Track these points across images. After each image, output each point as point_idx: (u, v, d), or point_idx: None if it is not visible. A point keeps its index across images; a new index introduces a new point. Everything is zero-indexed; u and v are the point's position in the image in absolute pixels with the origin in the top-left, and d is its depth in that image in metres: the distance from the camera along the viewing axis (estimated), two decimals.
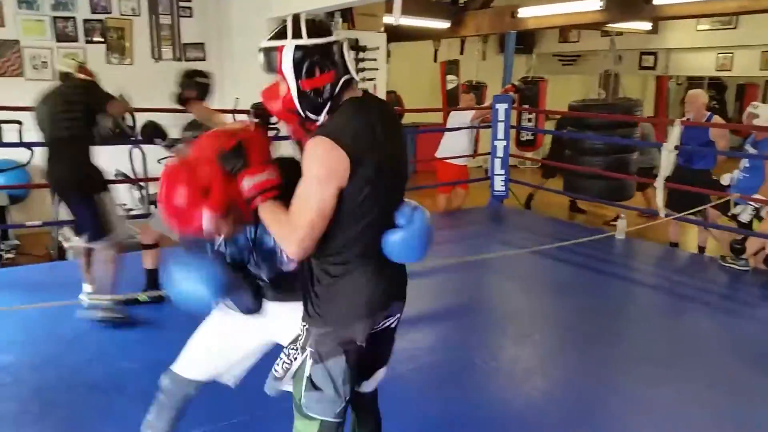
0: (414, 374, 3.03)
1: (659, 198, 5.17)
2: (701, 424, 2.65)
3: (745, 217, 4.86)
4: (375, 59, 6.49)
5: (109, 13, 6.43)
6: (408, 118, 9.82)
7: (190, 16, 6.79)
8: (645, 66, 10.83)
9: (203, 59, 7.00)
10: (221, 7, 6.81)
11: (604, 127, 6.96)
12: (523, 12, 6.93)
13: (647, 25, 8.95)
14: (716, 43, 9.19)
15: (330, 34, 1.56)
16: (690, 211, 5.10)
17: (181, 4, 6.62)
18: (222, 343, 1.94)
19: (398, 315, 1.79)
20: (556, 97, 9.70)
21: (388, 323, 1.77)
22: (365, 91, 1.66)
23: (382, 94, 6.78)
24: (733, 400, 2.85)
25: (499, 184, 6.87)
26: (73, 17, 6.25)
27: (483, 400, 2.84)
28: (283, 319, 1.79)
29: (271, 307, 1.83)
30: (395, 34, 7.69)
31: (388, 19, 6.41)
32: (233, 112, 5.78)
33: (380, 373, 1.86)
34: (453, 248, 5.51)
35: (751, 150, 4.93)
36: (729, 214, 5.06)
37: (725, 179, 4.98)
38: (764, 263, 4.56)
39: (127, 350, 3.19)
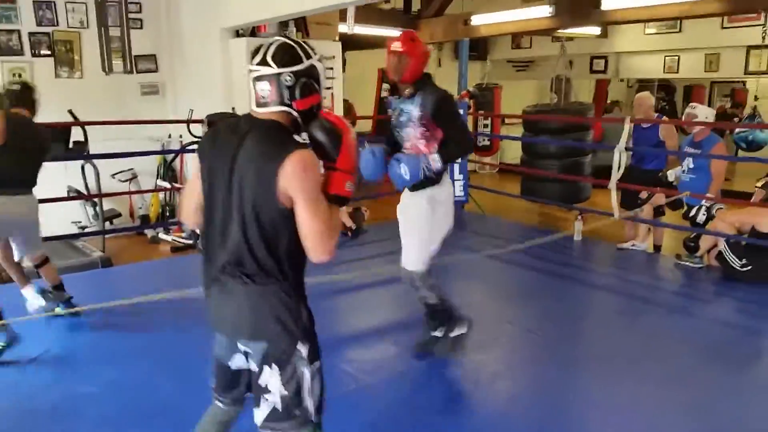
0: (381, 385, 3.02)
1: (613, 199, 5.29)
2: (661, 421, 2.70)
3: (701, 218, 5.02)
4: (331, 68, 6.46)
5: (56, 25, 6.25)
6: (365, 126, 9.83)
7: (140, 28, 6.66)
8: (596, 70, 11.09)
9: (155, 71, 6.87)
10: (172, 18, 6.70)
11: (558, 131, 7.10)
12: (476, 20, 7.02)
13: (597, 30, 9.18)
14: (663, 47, 9.49)
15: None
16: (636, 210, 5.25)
17: (131, 15, 6.48)
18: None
19: (240, 347, 1.72)
20: (510, 102, 9.86)
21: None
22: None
23: (339, 103, 6.76)
24: (691, 396, 2.92)
25: (458, 190, 6.93)
26: (17, 30, 6.05)
27: (450, 408, 2.84)
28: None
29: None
30: (351, 43, 7.68)
31: (342, 28, 6.39)
32: (187, 122, 5.69)
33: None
34: None
35: (691, 150, 5.09)
36: (688, 216, 5.20)
37: (671, 175, 5.13)
38: (717, 260, 4.71)
39: (85, 373, 3.08)
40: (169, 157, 6.71)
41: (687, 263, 4.89)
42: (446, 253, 5.46)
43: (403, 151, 2.89)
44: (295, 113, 1.63)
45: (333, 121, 1.69)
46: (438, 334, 3.15)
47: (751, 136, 8.58)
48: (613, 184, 5.26)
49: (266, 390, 1.66)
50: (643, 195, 5.31)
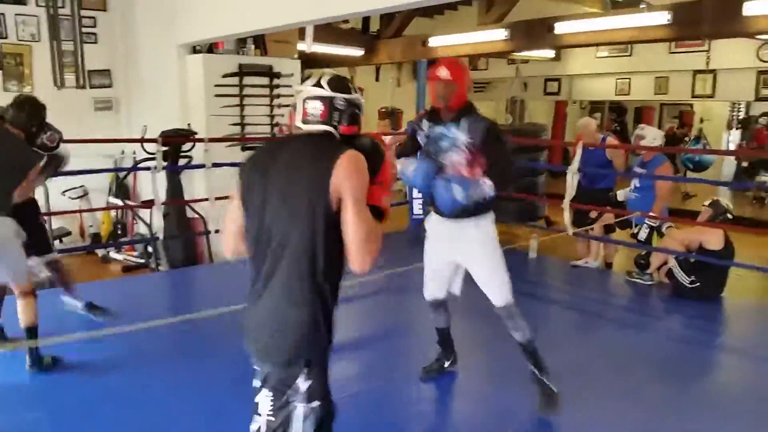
0: (342, 404, 2.96)
1: (566, 217, 5.42)
2: None
3: (642, 236, 5.17)
4: (290, 86, 6.46)
5: (5, 38, 6.08)
6: None
7: (95, 42, 6.53)
8: (550, 92, 11.39)
9: (110, 86, 6.74)
10: (128, 33, 6.60)
11: (513, 151, 7.22)
12: (433, 41, 7.14)
13: (551, 53, 9.44)
14: (614, 70, 9.82)
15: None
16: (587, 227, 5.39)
17: (85, 30, 6.36)
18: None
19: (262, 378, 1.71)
20: None
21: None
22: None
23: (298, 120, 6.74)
24: (643, 411, 2.97)
25: (417, 208, 6.97)
26: None
27: (403, 429, 2.82)
28: None
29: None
30: (310, 61, 7.70)
31: (301, 46, 6.41)
32: (141, 141, 5.59)
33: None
34: (375, 273, 5.52)
35: (639, 170, 5.26)
36: (631, 234, 5.36)
37: (620, 195, 5.28)
38: (667, 277, 4.84)
39: (30, 399, 2.96)
40: (122, 174, 6.56)
41: (638, 280, 5.02)
42: (404, 274, 5.50)
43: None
44: (337, 135, 1.71)
45: (376, 139, 1.79)
46: (534, 371, 2.93)
47: (698, 158, 8.91)
48: (566, 203, 5.39)
49: (257, 411, 1.67)
50: (593, 214, 5.47)
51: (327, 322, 1.67)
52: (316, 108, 1.70)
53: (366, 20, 8.26)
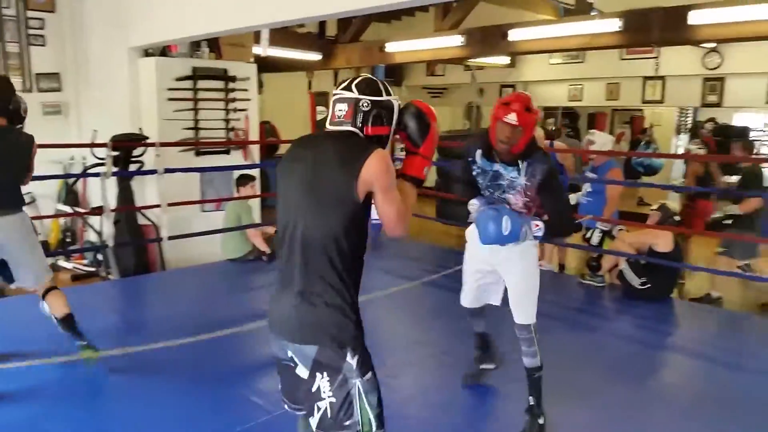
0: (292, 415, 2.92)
1: None
2: None
3: (594, 240, 5.27)
4: (246, 89, 6.39)
5: None
6: (284, 149, 9.74)
7: (42, 45, 6.32)
8: None
9: (59, 90, 6.53)
10: (78, 35, 6.41)
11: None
12: (390, 47, 7.16)
13: (506, 60, 9.58)
14: (567, 76, 10.02)
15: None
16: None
17: (32, 32, 6.16)
18: None
19: (290, 351, 1.81)
20: None
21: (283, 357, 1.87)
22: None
23: (255, 125, 6.68)
24: (594, 410, 3.03)
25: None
26: None
27: None
28: None
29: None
30: (267, 65, 7.64)
31: (257, 50, 6.35)
32: (91, 146, 5.44)
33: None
34: None
35: (591, 175, 5.38)
36: (583, 237, 5.46)
37: (572, 199, 5.37)
38: (618, 279, 4.96)
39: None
40: (71, 180, 6.37)
41: (590, 282, 5.13)
42: (365, 277, 5.50)
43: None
44: (362, 136, 1.77)
45: (424, 110, 1.86)
46: (532, 402, 2.86)
47: (648, 162, 9.15)
48: None
49: (317, 396, 1.73)
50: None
51: (354, 303, 1.76)
52: (342, 110, 1.78)
53: (322, 25, 8.23)
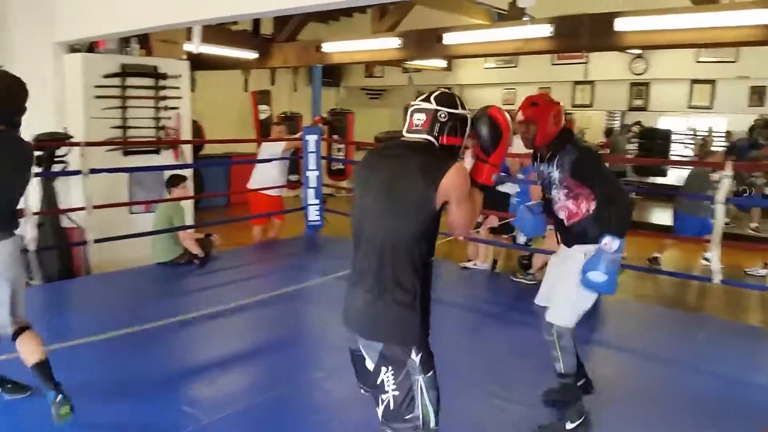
0: (223, 424, 2.86)
1: None
2: None
3: (521, 239, 5.41)
4: (178, 87, 6.21)
5: None
6: (219, 149, 9.56)
7: None
8: None
9: None
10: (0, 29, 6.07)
11: None
12: (327, 47, 7.13)
13: (443, 63, 9.72)
14: (501, 80, 10.28)
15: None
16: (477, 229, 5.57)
17: None
18: None
19: (360, 345, 1.91)
20: (365, 128, 10.09)
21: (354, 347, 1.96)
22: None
23: (187, 124, 6.51)
24: (528, 409, 3.09)
25: (313, 214, 6.92)
26: None
27: None
28: None
29: None
30: (201, 62, 7.46)
31: (189, 47, 6.19)
32: None
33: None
34: (270, 280, 5.42)
35: (520, 176, 5.52)
36: (511, 236, 5.60)
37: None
38: None
39: None
40: None
41: (522, 280, 5.25)
42: (299, 278, 5.44)
43: (560, 215, 2.83)
44: (437, 145, 1.87)
45: (499, 120, 1.96)
46: (569, 425, 2.79)
47: None
48: None
49: (382, 389, 1.85)
50: (480, 218, 5.66)
51: (423, 303, 1.87)
52: (420, 119, 1.88)
53: (257, 22, 8.10)
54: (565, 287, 2.76)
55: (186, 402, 3.02)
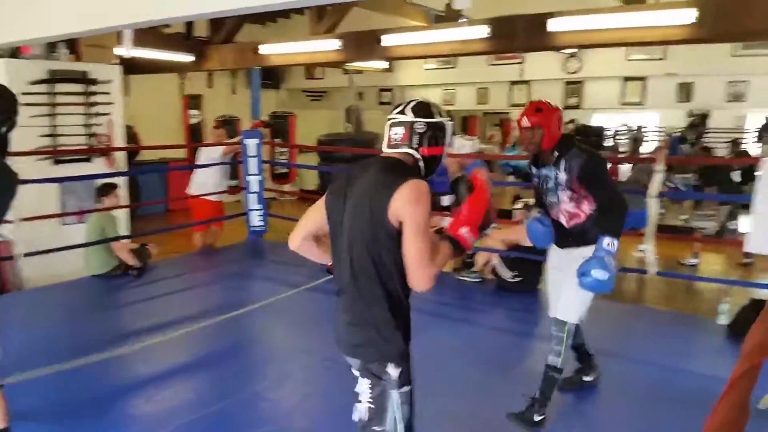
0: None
1: None
2: None
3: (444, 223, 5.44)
4: (109, 93, 6.00)
5: None
6: (155, 155, 9.29)
7: None
8: (384, 102, 11.74)
9: None
10: None
11: (353, 159, 7.35)
12: (265, 49, 7.02)
13: (384, 64, 9.74)
14: (441, 81, 10.38)
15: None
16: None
17: None
18: None
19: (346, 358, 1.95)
20: (307, 130, 10.01)
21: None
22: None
23: (119, 130, 6.29)
24: (476, 405, 3.13)
25: (256, 219, 6.82)
26: None
27: None
28: None
29: None
30: (134, 66, 7.22)
31: (120, 51, 5.98)
32: None
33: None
34: (211, 290, 5.29)
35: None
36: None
37: (445, 200, 5.52)
38: (492, 274, 5.18)
39: None
40: None
41: (466, 278, 5.33)
42: (241, 286, 5.34)
43: (560, 218, 2.94)
44: (418, 156, 1.86)
45: (472, 179, 1.95)
46: (536, 395, 2.91)
47: (514, 163, 9.72)
48: None
49: (357, 399, 1.91)
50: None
51: (400, 320, 1.86)
52: (398, 133, 1.86)
53: (189, 25, 7.90)
54: (574, 285, 2.80)
55: (126, 421, 2.91)
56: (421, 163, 1.87)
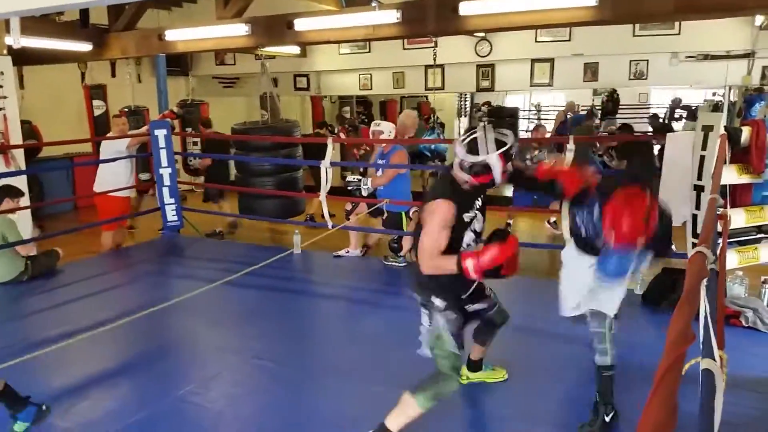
0: None
1: (325, 209, 5.57)
2: None
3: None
4: (0, 86, 5.55)
5: None
6: (59, 150, 8.73)
7: None
8: (299, 87, 11.52)
9: None
10: None
11: (269, 148, 7.16)
12: (171, 35, 6.70)
13: (296, 50, 9.53)
14: (356, 66, 10.28)
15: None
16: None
17: None
18: None
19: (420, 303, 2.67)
20: (221, 119, 9.66)
21: None
22: None
23: (15, 126, 5.85)
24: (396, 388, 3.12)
25: (171, 214, 6.55)
26: None
27: None
28: None
29: None
30: (27, 57, 6.72)
31: (9, 41, 5.51)
32: None
33: None
34: (126, 291, 5.04)
35: (381, 161, 5.58)
36: (382, 220, 5.64)
37: (364, 190, 5.41)
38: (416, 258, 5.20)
39: None
40: None
41: (393, 263, 5.34)
42: (159, 285, 5.12)
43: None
44: (468, 179, 2.45)
45: (510, 236, 2.42)
46: (606, 417, 2.74)
47: (433, 146, 9.81)
48: (323, 195, 5.54)
49: (420, 323, 2.65)
50: (348, 206, 5.67)
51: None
52: (457, 162, 2.46)
53: (84, 12, 7.40)
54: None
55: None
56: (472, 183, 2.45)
